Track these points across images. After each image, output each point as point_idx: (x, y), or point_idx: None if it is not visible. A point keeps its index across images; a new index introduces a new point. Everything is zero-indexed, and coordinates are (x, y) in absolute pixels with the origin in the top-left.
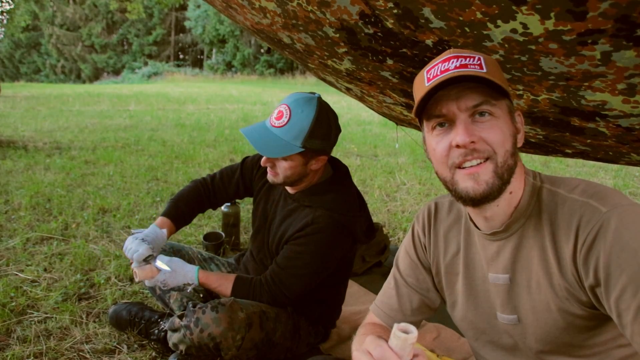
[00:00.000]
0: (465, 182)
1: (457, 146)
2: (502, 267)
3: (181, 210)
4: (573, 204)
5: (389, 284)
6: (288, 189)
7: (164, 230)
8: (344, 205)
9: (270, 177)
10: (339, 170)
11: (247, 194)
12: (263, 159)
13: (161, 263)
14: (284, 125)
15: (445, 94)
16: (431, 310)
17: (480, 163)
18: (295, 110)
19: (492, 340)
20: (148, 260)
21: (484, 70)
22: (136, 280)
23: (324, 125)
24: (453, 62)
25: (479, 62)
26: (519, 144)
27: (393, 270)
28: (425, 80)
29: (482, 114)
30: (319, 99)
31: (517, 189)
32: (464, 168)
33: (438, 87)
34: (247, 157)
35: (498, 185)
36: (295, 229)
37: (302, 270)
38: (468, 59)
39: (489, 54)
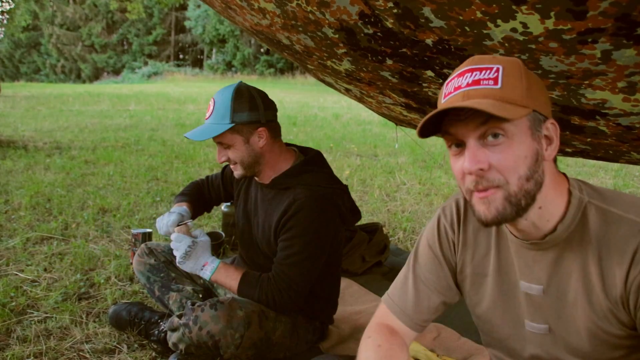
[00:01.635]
0: (479, 206)
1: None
2: (537, 277)
3: (193, 197)
4: (632, 227)
5: (406, 278)
6: (261, 179)
7: (185, 206)
8: (322, 180)
9: (235, 173)
10: (311, 154)
11: (230, 199)
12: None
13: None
14: (212, 113)
15: (456, 113)
16: (447, 307)
17: (491, 189)
18: (217, 97)
19: (511, 347)
20: (180, 224)
21: (499, 85)
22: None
23: (245, 96)
24: (467, 77)
25: (495, 74)
26: (551, 157)
27: (411, 263)
28: (442, 96)
29: (495, 135)
30: (240, 82)
31: (548, 202)
32: (478, 191)
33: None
34: (227, 165)
35: (511, 212)
36: (279, 213)
37: (300, 256)
38: (483, 72)
39: (489, 54)
